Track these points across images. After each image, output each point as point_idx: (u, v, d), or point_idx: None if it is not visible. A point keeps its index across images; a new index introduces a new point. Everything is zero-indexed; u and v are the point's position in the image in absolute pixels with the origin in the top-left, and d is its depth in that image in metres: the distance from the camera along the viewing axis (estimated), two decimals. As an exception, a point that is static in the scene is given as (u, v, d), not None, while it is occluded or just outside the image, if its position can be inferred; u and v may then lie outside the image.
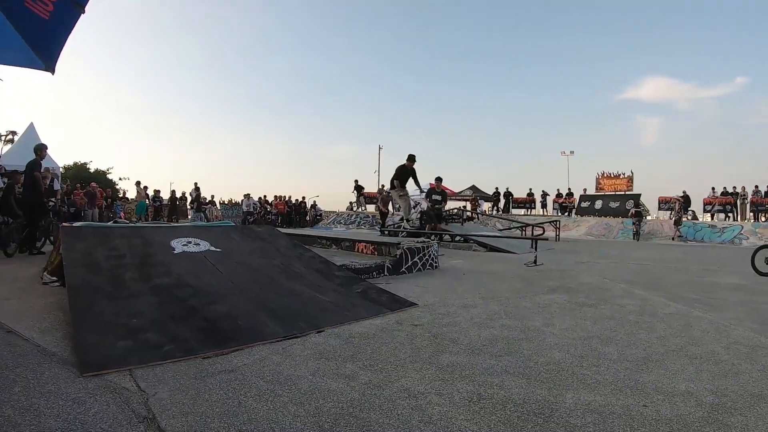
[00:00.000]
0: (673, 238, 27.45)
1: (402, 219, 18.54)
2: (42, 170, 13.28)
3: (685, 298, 7.51)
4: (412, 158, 16.96)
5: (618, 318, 6.09)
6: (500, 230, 25.18)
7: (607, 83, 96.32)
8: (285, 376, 3.78)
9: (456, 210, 26.90)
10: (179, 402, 3.24)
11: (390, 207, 25.96)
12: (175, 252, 7.16)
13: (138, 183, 32.93)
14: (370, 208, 40.33)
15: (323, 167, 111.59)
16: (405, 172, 17.00)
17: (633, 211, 30.52)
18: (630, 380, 3.82)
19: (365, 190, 41.15)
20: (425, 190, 19.61)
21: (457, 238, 16.95)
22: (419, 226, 18.12)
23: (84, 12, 4.37)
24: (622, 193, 35.86)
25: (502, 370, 4.04)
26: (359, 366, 4.06)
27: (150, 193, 33.07)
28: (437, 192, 18.35)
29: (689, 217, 30.24)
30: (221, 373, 3.81)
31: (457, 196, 42.48)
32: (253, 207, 35.90)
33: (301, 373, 3.84)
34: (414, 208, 17.91)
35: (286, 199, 39.77)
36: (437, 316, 6.00)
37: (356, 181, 40.38)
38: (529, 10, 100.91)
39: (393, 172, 16.98)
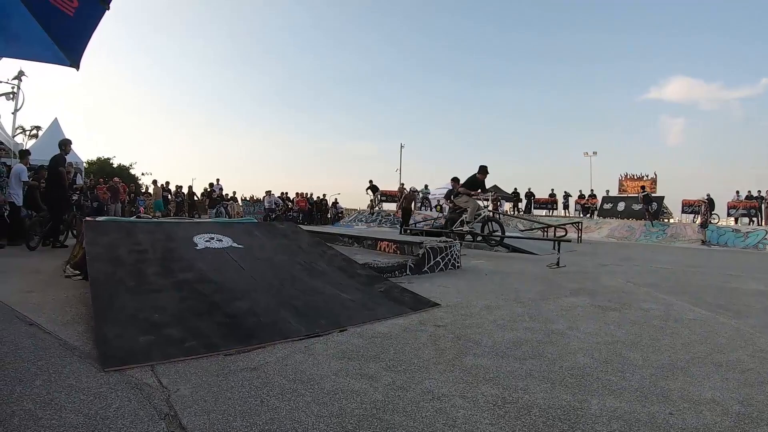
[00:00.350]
0: (703, 242, 27.07)
1: (456, 221, 17.19)
2: (66, 165, 13.45)
3: (710, 304, 7.37)
4: (484, 170, 16.18)
5: (642, 322, 5.98)
6: (522, 231, 25.06)
7: (630, 83, 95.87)
8: (308, 375, 3.75)
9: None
10: (201, 399, 3.22)
11: (412, 206, 25.66)
12: (198, 248, 7.15)
13: (155, 182, 33.50)
14: (390, 206, 40.47)
15: (344, 164, 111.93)
16: (475, 184, 16.22)
17: (641, 197, 30.28)
18: (655, 387, 3.73)
19: (384, 189, 41.24)
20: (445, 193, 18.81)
21: (479, 238, 16.83)
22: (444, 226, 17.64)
23: (108, 8, 4.36)
24: (646, 194, 35.57)
25: (526, 373, 3.97)
26: (382, 366, 4.02)
27: (172, 188, 33.40)
28: (456, 193, 17.42)
29: (715, 221, 29.90)
30: (243, 371, 3.78)
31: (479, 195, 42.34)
32: (275, 204, 35.99)
33: (323, 373, 3.81)
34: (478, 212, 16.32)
35: (308, 196, 39.85)
36: (460, 317, 5.94)
37: (371, 181, 40.36)
38: (554, 9, 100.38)
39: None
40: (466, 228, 16.38)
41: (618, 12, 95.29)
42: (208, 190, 34.13)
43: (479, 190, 16.26)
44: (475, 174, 16.32)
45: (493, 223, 16.12)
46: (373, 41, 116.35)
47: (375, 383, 3.62)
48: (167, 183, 33.42)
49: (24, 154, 14.10)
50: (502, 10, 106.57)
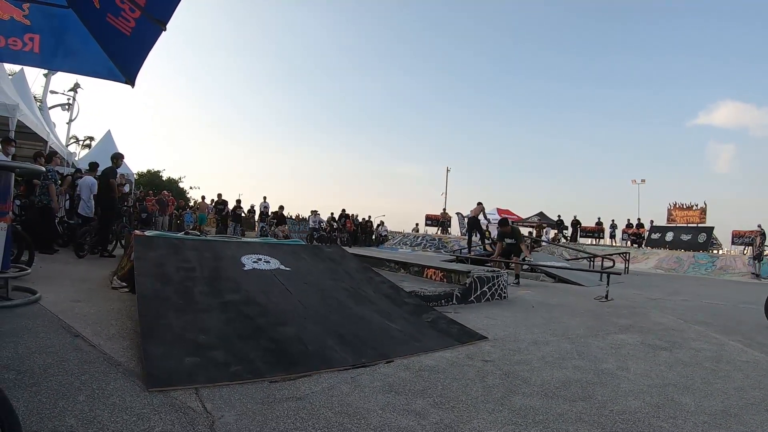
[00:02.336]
0: (756, 275, 26.16)
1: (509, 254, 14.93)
2: (117, 177, 13.83)
3: (763, 345, 7.07)
4: None
5: (693, 364, 5.76)
6: (567, 260, 24.69)
7: (678, 108, 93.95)
8: (354, 408, 3.66)
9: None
10: (246, 428, 3.16)
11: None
12: (245, 268, 7.16)
13: (203, 198, 34.49)
14: (434, 230, 40.75)
15: (390, 185, 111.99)
16: None
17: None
18: (708, 436, 3.56)
19: (428, 213, 41.49)
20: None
21: (525, 267, 16.59)
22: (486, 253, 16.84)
23: (165, 29, 4.40)
24: (695, 225, 34.78)
25: (576, 417, 3.81)
26: (430, 403, 3.90)
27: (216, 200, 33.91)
28: (509, 235, 15.17)
29: (766, 252, 28.85)
30: (289, 400, 3.72)
31: (525, 222, 42.03)
32: (320, 224, 36.09)
33: (370, 407, 3.71)
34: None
35: (352, 216, 39.94)
36: (508, 353, 5.79)
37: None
38: (602, 32, 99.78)
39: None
40: None
41: (662, 36, 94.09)
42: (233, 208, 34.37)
43: None
44: None
45: None
46: (423, 64, 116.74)
47: (423, 421, 3.52)
48: (213, 201, 33.95)
49: (94, 166, 14.45)
50: (548, 34, 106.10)
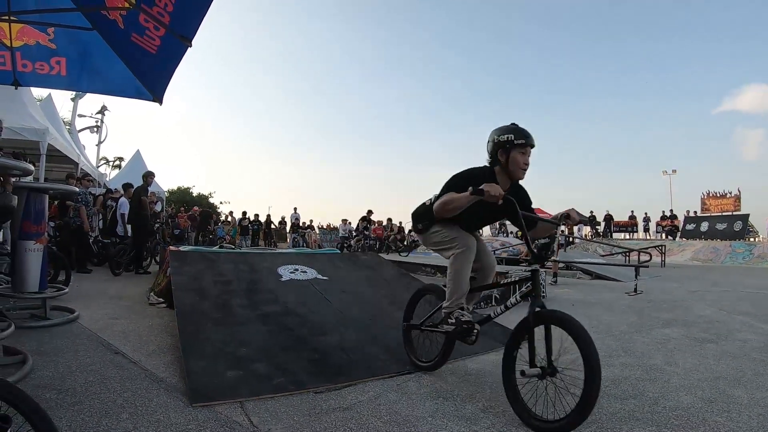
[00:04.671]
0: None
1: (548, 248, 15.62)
2: (148, 195, 14.01)
3: (809, 333, 6.95)
4: None
5: (742, 356, 5.59)
6: (602, 256, 24.44)
7: (702, 96, 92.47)
8: (403, 416, 3.56)
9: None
10: (295, 442, 3.10)
11: None
12: (283, 279, 7.14)
13: (231, 213, 34.91)
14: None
15: (417, 192, 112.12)
16: None
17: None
18: (765, 429, 3.43)
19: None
20: None
21: (561, 265, 16.44)
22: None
23: (191, 46, 4.38)
24: (730, 213, 34.14)
25: (629, 415, 3.70)
26: (479, 408, 3.80)
27: (251, 217, 34.07)
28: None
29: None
30: (335, 411, 3.63)
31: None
32: (350, 232, 35.99)
33: (419, 414, 3.61)
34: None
35: (384, 224, 39.85)
36: (553, 352, 5.70)
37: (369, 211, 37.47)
38: (618, 30, 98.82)
39: None
40: None
41: (677, 24, 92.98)
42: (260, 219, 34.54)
43: None
44: None
45: None
46: (444, 72, 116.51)
47: (474, 426, 3.42)
48: (244, 214, 34.22)
49: (126, 187, 14.61)
50: (572, 22, 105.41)
